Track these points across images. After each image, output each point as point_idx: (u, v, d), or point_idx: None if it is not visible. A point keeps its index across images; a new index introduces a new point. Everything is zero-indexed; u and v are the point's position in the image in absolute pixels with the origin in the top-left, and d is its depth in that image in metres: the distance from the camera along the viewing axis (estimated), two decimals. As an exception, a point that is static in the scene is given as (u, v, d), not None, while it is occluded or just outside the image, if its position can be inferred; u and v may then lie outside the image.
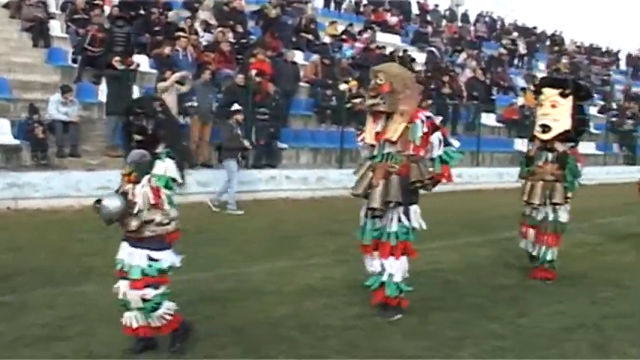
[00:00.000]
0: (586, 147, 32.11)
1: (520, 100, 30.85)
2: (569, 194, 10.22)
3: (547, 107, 10.11)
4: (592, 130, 33.52)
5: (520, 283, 9.97)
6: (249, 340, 6.96)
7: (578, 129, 10.38)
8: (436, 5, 39.16)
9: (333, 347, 6.87)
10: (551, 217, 10.16)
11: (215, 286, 9.04)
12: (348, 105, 21.90)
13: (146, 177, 6.06)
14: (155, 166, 6.09)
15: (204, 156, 18.04)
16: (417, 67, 28.59)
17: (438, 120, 7.99)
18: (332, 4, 34.55)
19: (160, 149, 6.18)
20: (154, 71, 19.74)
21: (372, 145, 7.94)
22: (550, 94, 10.12)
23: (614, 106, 37.25)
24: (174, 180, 6.16)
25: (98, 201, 6.05)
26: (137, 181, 6.09)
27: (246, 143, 16.57)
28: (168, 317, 6.34)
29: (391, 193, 7.62)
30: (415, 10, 38.71)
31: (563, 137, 10.10)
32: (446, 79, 27.04)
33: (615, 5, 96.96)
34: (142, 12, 22.27)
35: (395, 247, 7.85)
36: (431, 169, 7.81)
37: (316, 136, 22.28)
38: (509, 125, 28.50)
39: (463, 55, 33.09)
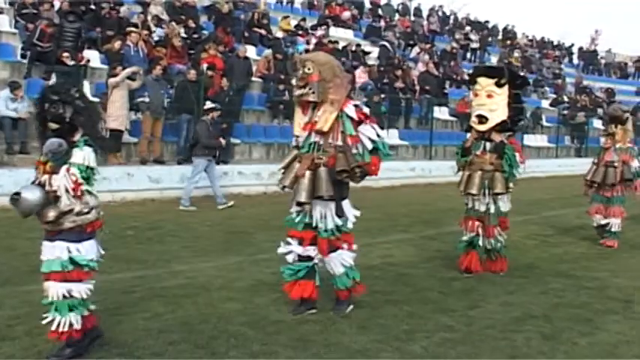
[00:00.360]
0: (538, 139, 32.52)
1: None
2: (511, 184, 9.98)
3: (483, 97, 9.81)
4: (544, 122, 33.91)
5: (473, 275, 9.96)
6: (199, 336, 6.89)
7: (515, 118, 10.08)
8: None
9: (283, 342, 6.82)
10: (492, 208, 9.91)
11: (166, 283, 8.96)
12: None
13: (64, 167, 5.90)
14: (73, 155, 5.93)
15: (156, 152, 17.88)
16: (370, 62, 28.72)
17: (366, 110, 7.80)
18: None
19: (77, 137, 6.03)
20: (105, 67, 19.59)
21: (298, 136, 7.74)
22: (485, 83, 9.82)
23: (566, 99, 37.64)
24: (92, 169, 6.01)
25: (17, 193, 5.85)
26: (54, 172, 5.92)
27: (222, 141, 16.42)
28: (67, 328, 6.11)
29: (322, 188, 7.39)
30: (368, 4, 38.68)
31: (500, 127, 9.85)
32: (399, 73, 27.14)
33: (565, 2, 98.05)
34: (92, 7, 22.06)
35: (333, 242, 7.68)
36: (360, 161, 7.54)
37: (269, 131, 22.21)
38: (461, 119, 28.58)
39: (416, 50, 33.28)
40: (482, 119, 9.78)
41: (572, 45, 51.34)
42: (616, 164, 12.72)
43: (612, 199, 12.90)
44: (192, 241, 11.88)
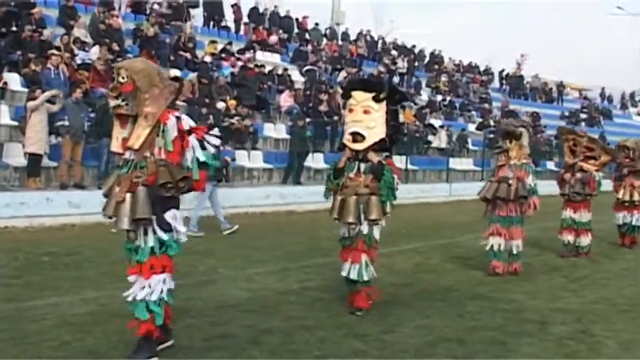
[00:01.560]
0: (464, 163, 32.92)
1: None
2: (388, 208, 9.07)
3: (359, 113, 8.96)
4: (470, 146, 34.38)
5: (390, 299, 9.93)
6: (106, 364, 6.78)
7: (394, 137, 9.33)
8: (316, 24, 39.29)
9: (193, 369, 6.75)
10: (365, 230, 9.00)
11: (77, 310, 8.78)
12: (226, 123, 21.80)
13: None
14: None
15: (77, 177, 17.60)
16: (297, 86, 28.81)
17: (190, 121, 7.04)
18: (212, 23, 34.35)
19: None
20: (25, 90, 19.24)
21: (122, 154, 7.00)
22: (362, 98, 9.00)
23: (492, 123, 38.14)
24: None
25: None
26: None
27: (228, 159, 16.33)
28: None
29: (138, 210, 6.65)
30: (295, 28, 38.77)
31: (378, 146, 9.02)
32: (324, 97, 27.22)
33: (493, 26, 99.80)
34: (13, 28, 21.71)
35: (150, 264, 6.87)
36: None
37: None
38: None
39: (343, 74, 33.44)
40: (357, 137, 8.94)
41: (503, 70, 52.38)
42: (510, 181, 12.08)
43: (510, 219, 12.23)
44: (109, 266, 11.65)
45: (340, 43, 39.33)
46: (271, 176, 23.50)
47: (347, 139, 9.08)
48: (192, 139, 6.91)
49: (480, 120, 39.01)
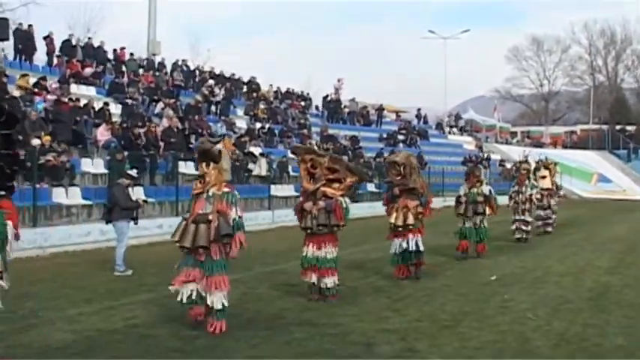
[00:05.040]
0: (285, 189, 33.27)
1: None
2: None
3: None
4: (291, 172, 34.80)
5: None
6: None
7: (8, 170, 7.91)
8: (131, 54, 38.88)
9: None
10: None
11: None
12: (42, 160, 21.31)
13: None
14: None
15: None
16: (114, 119, 28.46)
17: None
18: (23, 57, 33.45)
19: None
20: None
21: None
22: None
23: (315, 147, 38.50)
24: None
25: None
26: None
27: (141, 200, 16.41)
28: None
29: None
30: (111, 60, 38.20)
31: None
32: (142, 130, 27.06)
33: (312, 52, 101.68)
34: None
35: None
36: None
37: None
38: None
39: (160, 105, 33.23)
40: None
41: (327, 96, 53.30)
42: (210, 217, 9.88)
43: (209, 265, 10.06)
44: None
45: (157, 73, 39.02)
46: (91, 213, 23.05)
47: None
48: None
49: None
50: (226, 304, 10.05)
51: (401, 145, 49.86)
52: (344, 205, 12.34)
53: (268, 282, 14.36)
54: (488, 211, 18.23)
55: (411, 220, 14.54)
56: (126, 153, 24.22)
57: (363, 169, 35.79)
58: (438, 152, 53.91)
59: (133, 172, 16.61)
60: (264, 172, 31.94)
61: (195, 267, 10.04)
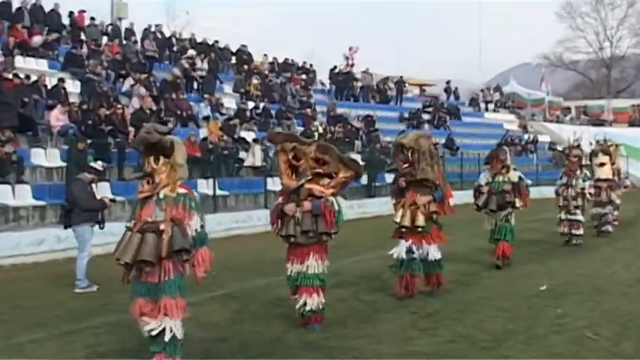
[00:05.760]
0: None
1: (203, 132, 31.32)
2: None
3: None
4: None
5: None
6: None
7: None
8: (92, 18, 38.55)
9: None
10: None
11: None
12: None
13: None
14: None
15: None
16: (72, 99, 28.32)
17: None
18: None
19: None
20: None
21: None
22: None
23: (321, 130, 37.99)
24: None
25: None
26: None
27: (107, 199, 16.33)
28: None
29: None
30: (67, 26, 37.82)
31: None
32: (107, 112, 26.98)
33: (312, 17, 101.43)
34: None
35: None
36: None
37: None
38: (190, 163, 28.69)
39: (129, 81, 33.02)
40: None
41: (335, 67, 52.84)
42: (161, 226, 9.00)
43: (161, 288, 9.22)
44: None
45: (124, 42, 38.69)
46: (44, 215, 22.98)
47: None
48: None
49: (302, 129, 39.10)
50: (179, 336, 9.18)
51: (426, 125, 49.67)
52: (335, 207, 11.63)
53: (266, 297, 14.31)
54: (518, 202, 17.64)
55: (421, 220, 13.84)
56: (88, 141, 24.17)
57: (380, 156, 35.88)
58: (473, 134, 53.56)
59: (97, 165, 16.38)
60: (258, 162, 31.62)
61: (147, 296, 9.29)
